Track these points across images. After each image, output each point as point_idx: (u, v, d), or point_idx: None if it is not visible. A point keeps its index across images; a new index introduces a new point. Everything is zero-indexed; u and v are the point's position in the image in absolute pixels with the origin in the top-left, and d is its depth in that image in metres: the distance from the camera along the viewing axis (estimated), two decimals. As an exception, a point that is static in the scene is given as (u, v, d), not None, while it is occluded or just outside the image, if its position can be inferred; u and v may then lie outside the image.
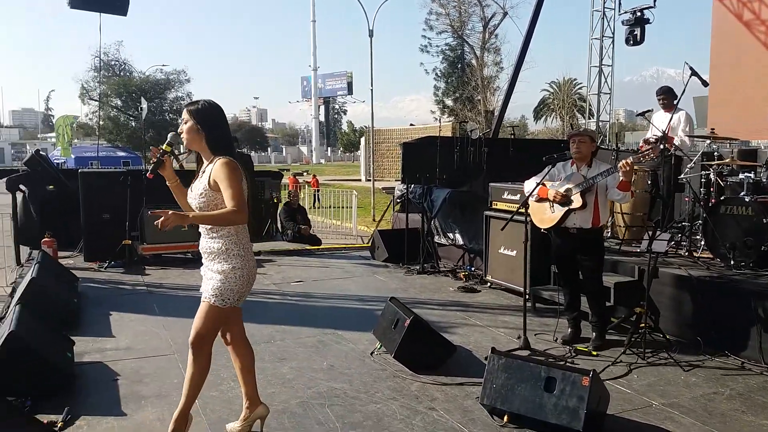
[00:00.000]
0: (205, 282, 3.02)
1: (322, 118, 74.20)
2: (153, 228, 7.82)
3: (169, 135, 3.07)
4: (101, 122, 33.98)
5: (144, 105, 11.70)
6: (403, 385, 3.94)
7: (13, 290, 5.81)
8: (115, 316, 5.47)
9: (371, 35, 19.12)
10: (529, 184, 4.87)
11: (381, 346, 4.52)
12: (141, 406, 3.61)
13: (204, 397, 3.70)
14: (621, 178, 4.39)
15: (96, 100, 33.88)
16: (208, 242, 2.98)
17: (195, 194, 2.95)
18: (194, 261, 7.95)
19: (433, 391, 3.86)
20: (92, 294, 6.27)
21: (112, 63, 39.89)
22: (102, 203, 7.92)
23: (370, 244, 8.87)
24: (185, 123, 2.96)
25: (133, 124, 34.15)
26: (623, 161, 4.34)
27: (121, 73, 39.70)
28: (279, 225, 10.39)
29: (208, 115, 2.95)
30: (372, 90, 19.11)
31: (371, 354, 4.50)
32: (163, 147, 2.99)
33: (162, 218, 2.65)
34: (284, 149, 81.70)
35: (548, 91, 52.88)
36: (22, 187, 8.63)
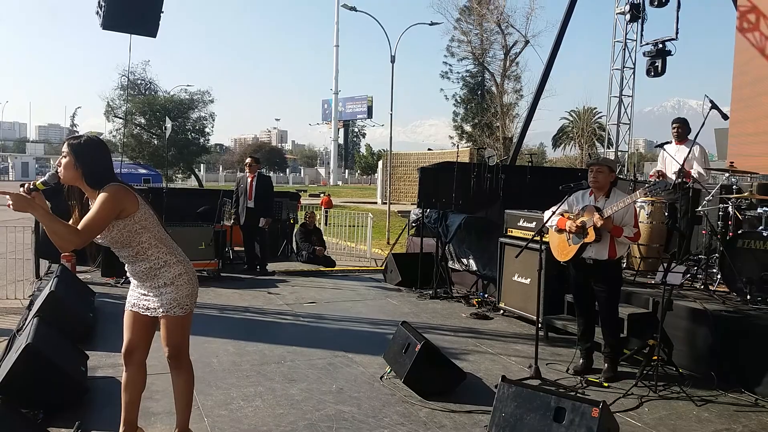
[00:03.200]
0: (152, 300, 3.02)
1: (341, 140, 74.83)
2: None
3: (47, 174, 2.92)
4: (124, 139, 34.59)
5: (168, 124, 11.90)
6: (412, 411, 3.93)
7: (31, 303, 5.91)
8: (129, 332, 5.52)
9: (393, 61, 19.35)
10: (548, 214, 4.88)
11: (391, 370, 4.52)
12: (150, 423, 3.64)
13: (213, 416, 3.74)
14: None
15: (121, 118, 34.55)
16: (143, 265, 2.97)
17: (104, 233, 2.86)
18: (209, 279, 8.04)
19: (442, 417, 3.85)
20: (108, 309, 6.35)
21: (138, 82, 40.72)
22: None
23: (383, 267, 8.89)
24: (64, 158, 2.87)
25: (156, 142, 34.70)
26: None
27: (147, 92, 40.50)
28: (294, 245, 10.46)
29: (86, 151, 2.86)
30: (391, 114, 19.29)
31: (381, 378, 4.49)
32: (36, 183, 2.82)
33: (13, 194, 2.62)
34: (302, 170, 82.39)
35: (568, 119, 52.93)
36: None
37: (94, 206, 2.77)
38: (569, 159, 47.62)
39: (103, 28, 9.23)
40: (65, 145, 2.91)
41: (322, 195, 27.07)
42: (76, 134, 3.07)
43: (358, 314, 6.62)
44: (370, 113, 72.34)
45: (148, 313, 3.05)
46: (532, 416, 3.33)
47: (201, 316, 6.33)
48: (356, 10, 21.12)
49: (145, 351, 3.21)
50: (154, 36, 10.48)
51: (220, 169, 65.56)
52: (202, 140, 37.62)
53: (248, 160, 9.02)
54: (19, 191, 2.75)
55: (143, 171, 33.10)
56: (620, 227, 4.47)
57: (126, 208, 2.84)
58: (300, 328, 6.04)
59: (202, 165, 50.50)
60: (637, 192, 4.60)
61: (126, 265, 3.06)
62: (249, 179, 8.75)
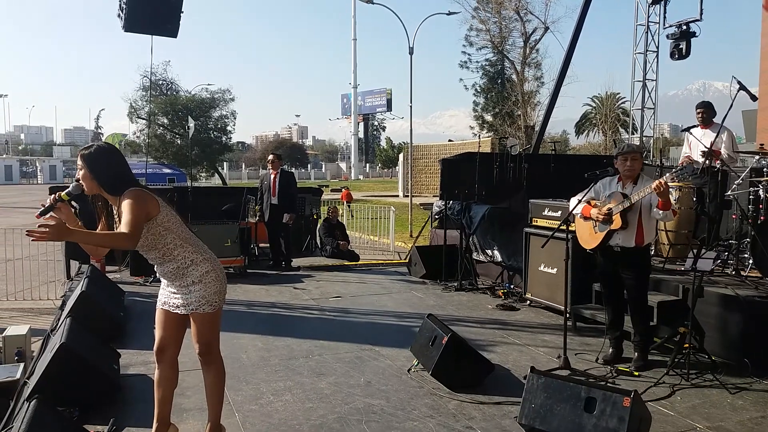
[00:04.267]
0: (180, 298, 3.07)
1: (361, 134, 74.86)
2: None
3: (71, 185, 3.01)
4: (148, 140, 35.05)
5: (191, 124, 12.02)
6: (441, 403, 3.93)
7: (63, 303, 6.04)
8: (159, 330, 5.61)
9: (411, 53, 19.22)
10: (574, 201, 4.82)
11: (418, 363, 4.52)
12: (183, 419, 3.69)
13: (244, 411, 3.78)
14: (658, 200, 4.31)
15: (144, 119, 35.02)
16: (167, 266, 3.04)
17: None
18: (235, 276, 8.12)
19: (471, 409, 3.84)
20: (138, 308, 6.46)
21: (160, 82, 41.19)
22: (148, 219, 8.16)
23: (407, 260, 8.89)
24: (80, 170, 2.95)
25: (179, 141, 35.08)
26: (656, 182, 4.26)
27: (168, 92, 40.95)
28: (318, 240, 10.51)
29: (99, 160, 2.92)
30: (411, 106, 19.18)
31: (408, 371, 4.50)
32: (62, 194, 2.92)
33: (41, 232, 2.53)
34: (324, 166, 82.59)
35: (590, 105, 52.10)
36: (73, 203, 8.98)
37: (125, 212, 2.80)
38: (593, 146, 46.95)
39: (125, 30, 9.35)
40: (79, 157, 2.98)
41: (342, 189, 27.20)
42: (88, 144, 3.11)
43: (384, 307, 6.63)
44: (389, 106, 72.22)
45: (179, 311, 3.11)
46: (562, 406, 3.30)
47: (229, 313, 6.39)
48: (373, 3, 21.02)
49: (177, 348, 3.27)
50: (175, 36, 10.59)
51: (243, 166, 66.06)
52: (224, 138, 37.91)
53: (270, 156, 9.07)
54: (47, 200, 2.88)
55: (168, 171, 33.52)
56: (669, 201, 4.34)
57: (149, 212, 2.89)
58: (326, 322, 6.08)
59: (225, 163, 50.92)
60: (666, 176, 4.52)
61: (155, 266, 3.12)
62: (272, 176, 8.81)
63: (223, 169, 46.64)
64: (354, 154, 71.52)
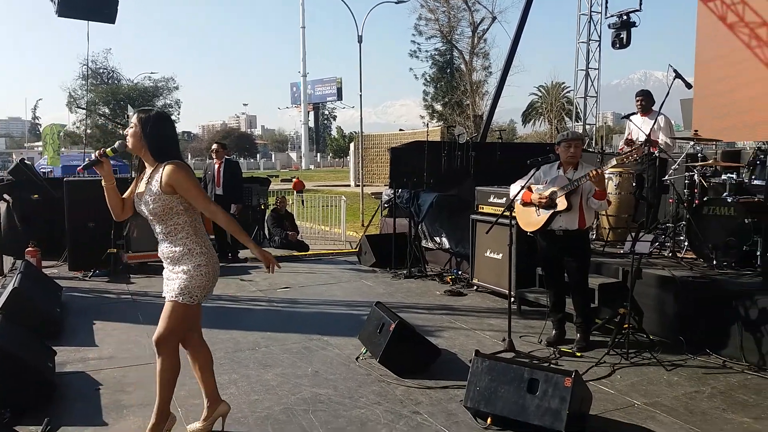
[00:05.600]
0: (168, 283, 3.09)
1: (311, 124, 74.15)
2: (138, 236, 7.78)
3: (117, 142, 3.14)
4: (89, 130, 33.81)
5: (131, 113, 11.58)
6: (388, 390, 3.94)
7: (-4, 300, 5.75)
8: (98, 326, 5.42)
9: (360, 41, 19.11)
10: (515, 188, 4.89)
11: (366, 350, 4.51)
12: (123, 416, 3.58)
13: (186, 406, 3.69)
14: (595, 189, 4.43)
15: (84, 108, 33.71)
16: (169, 247, 3.05)
17: (147, 200, 3.00)
18: (181, 268, 7.93)
19: (418, 394, 3.86)
20: (76, 303, 6.22)
21: (101, 71, 39.73)
22: (87, 212, 7.86)
23: (357, 249, 8.87)
24: (131, 128, 3.03)
25: (121, 131, 33.98)
26: (590, 171, 4.38)
27: (110, 81, 39.55)
28: (266, 231, 10.36)
29: (155, 124, 3.01)
30: (361, 95, 19.09)
31: (356, 359, 4.48)
32: (107, 150, 3.09)
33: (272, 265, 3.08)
34: (273, 155, 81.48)
35: (536, 95, 53.17)
36: (6, 196, 8.57)
37: (190, 189, 2.94)
38: (539, 134, 47.95)
39: (59, 15, 8.92)
40: (134, 116, 3.06)
41: (293, 179, 26.97)
42: (147, 107, 3.20)
43: (333, 297, 6.60)
44: (340, 95, 71.73)
45: (167, 297, 3.10)
46: (506, 388, 3.36)
47: (173, 306, 6.25)
48: (321, -9, 20.77)
49: (195, 332, 3.28)
50: (113, 22, 10.17)
51: (189, 156, 64.47)
52: (128, 125, 36.90)
53: (214, 146, 8.86)
54: (93, 155, 3.11)
55: (110, 162, 32.31)
56: (604, 191, 4.52)
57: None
58: (274, 313, 6.00)
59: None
60: (613, 160, 4.63)
61: (159, 245, 3.11)
62: (216, 166, 8.61)
63: (110, 161, 45.50)
64: (304, 143, 70.82)
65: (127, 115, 10.62)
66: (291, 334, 5.15)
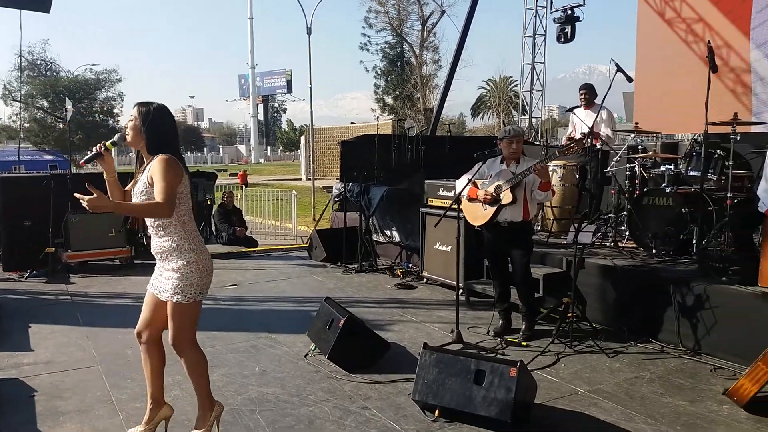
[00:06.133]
0: (162, 282, 3.03)
1: (260, 116, 73.00)
2: (79, 234, 7.49)
3: (116, 135, 3.14)
4: (26, 124, 32.34)
5: (69, 106, 11.12)
6: (337, 386, 3.91)
7: None
8: (35, 329, 5.19)
9: (309, 33, 18.90)
10: (461, 182, 4.93)
11: (315, 347, 4.47)
12: (59, 423, 3.43)
13: (127, 410, 3.59)
14: (539, 180, 4.53)
15: (19, 101, 32.20)
16: (158, 241, 3.02)
17: (137, 192, 2.99)
18: (122, 268, 7.68)
19: (367, 389, 3.85)
20: (11, 306, 5.93)
21: (38, 62, 38.03)
22: (23, 209, 7.53)
23: (308, 244, 8.78)
24: (131, 121, 3.03)
25: (61, 126, 32.62)
26: (535, 164, 4.48)
27: (48, 73, 37.91)
28: (213, 227, 10.14)
29: (154, 117, 2.99)
30: (311, 88, 18.88)
31: (305, 356, 4.43)
32: (107, 144, 3.07)
33: (87, 198, 2.70)
34: (221, 149, 79.91)
35: (485, 88, 53.86)
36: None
37: (157, 179, 2.84)
38: (488, 128, 48.67)
39: (-13, 3, 8.46)
40: (135, 108, 3.04)
41: (239, 173, 26.54)
42: (146, 101, 3.07)
43: (282, 293, 6.51)
44: (290, 87, 70.73)
45: (159, 296, 3.04)
46: (453, 380, 3.38)
47: (115, 307, 6.04)
48: (268, -19, 20.41)
49: (154, 331, 3.20)
50: (47, 11, 9.72)
51: (134, 151, 62.59)
52: (111, 122, 35.69)
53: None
54: (94, 149, 3.04)
55: (49, 157, 31.02)
56: (549, 182, 4.65)
57: (180, 180, 2.92)
58: (221, 312, 5.86)
59: (113, 148, 48.02)
60: (555, 152, 4.73)
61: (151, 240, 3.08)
62: (160, 160, 8.34)
63: (111, 154, 43.96)
64: (254, 136, 69.65)
65: (66, 109, 10.17)
66: (238, 332, 5.05)
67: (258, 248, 9.68)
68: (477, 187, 4.82)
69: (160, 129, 2.99)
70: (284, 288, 6.77)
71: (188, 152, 61.27)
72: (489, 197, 4.71)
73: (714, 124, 5.27)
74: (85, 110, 33.03)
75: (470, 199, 4.88)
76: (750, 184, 5.51)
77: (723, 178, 5.33)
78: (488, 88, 52.93)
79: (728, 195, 5.03)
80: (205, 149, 75.27)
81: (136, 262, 7.93)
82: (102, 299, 6.33)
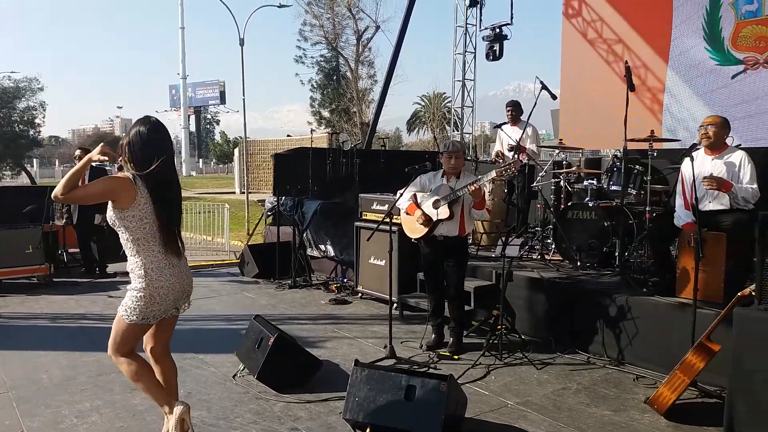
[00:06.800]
0: None
1: (192, 128, 71.21)
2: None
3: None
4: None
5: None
6: (266, 407, 3.80)
7: None
8: (-64, 355, 4.80)
9: (242, 44, 18.58)
10: (402, 195, 4.94)
11: (244, 367, 4.34)
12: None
13: (37, 440, 3.34)
14: (473, 200, 4.60)
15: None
16: (128, 259, 3.03)
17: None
18: (39, 286, 7.25)
19: (297, 410, 3.76)
20: None
21: (-51, 69, 35.68)
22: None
23: (239, 260, 8.57)
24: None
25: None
26: (469, 186, 4.53)
27: (-40, 80, 35.63)
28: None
29: (133, 135, 2.98)
30: (244, 99, 18.54)
31: (234, 377, 4.30)
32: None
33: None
34: (153, 161, 77.24)
35: (420, 104, 54.68)
36: None
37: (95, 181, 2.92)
38: (423, 142, 49.34)
39: None
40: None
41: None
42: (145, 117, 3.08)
43: (211, 311, 6.30)
44: (223, 99, 69.33)
45: None
46: (384, 397, 3.35)
47: (30, 328, 5.68)
48: (200, -9, 20.03)
49: (158, 344, 3.22)
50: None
51: (57, 163, 59.59)
52: (32, 132, 33.84)
53: (77, 152, 8.20)
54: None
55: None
56: (483, 201, 4.71)
57: (117, 200, 2.88)
58: (146, 331, 5.61)
59: (34, 160, 45.67)
60: (492, 172, 4.72)
61: None
62: (81, 173, 7.95)
63: (32, 166, 41.80)
64: (185, 148, 67.70)
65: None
66: (163, 353, 4.83)
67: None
68: (416, 201, 4.85)
69: (135, 148, 2.95)
70: (213, 306, 6.56)
71: (114, 164, 58.89)
72: (423, 218, 4.74)
73: (632, 140, 5.51)
74: (3, 120, 31.21)
75: (408, 214, 4.90)
76: (667, 198, 5.79)
77: (642, 192, 5.58)
78: (423, 103, 53.77)
79: (647, 209, 5.28)
80: (134, 161, 72.48)
81: (55, 280, 7.50)
82: (16, 320, 5.94)
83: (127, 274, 3.04)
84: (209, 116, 76.36)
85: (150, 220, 2.92)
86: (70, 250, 8.49)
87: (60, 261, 8.18)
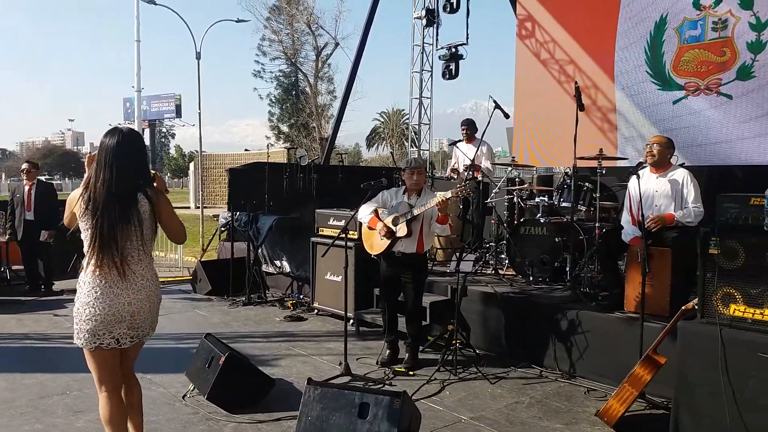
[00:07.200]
0: None
1: (147, 141, 69.79)
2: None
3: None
4: None
5: None
6: (216, 428, 3.71)
7: None
8: None
9: (198, 57, 18.43)
10: (364, 210, 4.94)
11: (194, 387, 4.22)
12: None
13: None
14: (438, 214, 4.62)
15: None
16: None
17: None
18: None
19: (249, 430, 3.69)
20: None
21: None
22: None
23: (192, 277, 8.39)
24: None
25: None
26: (439, 197, 4.55)
27: None
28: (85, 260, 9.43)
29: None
30: (200, 113, 18.32)
31: (183, 397, 4.18)
32: None
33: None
34: (105, 176, 75.34)
35: (379, 120, 55.06)
36: None
37: None
38: (382, 158, 49.63)
39: None
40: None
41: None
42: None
43: (161, 330, 5.99)
44: (179, 112, 68.07)
45: None
46: (337, 416, 3.31)
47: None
48: (156, 4, 19.75)
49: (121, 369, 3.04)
50: None
51: (3, 177, 57.42)
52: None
53: (25, 165, 7.95)
54: None
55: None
56: (447, 216, 4.68)
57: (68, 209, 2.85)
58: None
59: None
60: (450, 191, 4.72)
61: None
62: (26, 187, 7.70)
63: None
64: (140, 163, 66.30)
65: None
66: (110, 373, 4.67)
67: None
68: (378, 216, 4.84)
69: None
70: (163, 324, 6.30)
71: (66, 178, 57.26)
72: (385, 230, 4.74)
73: (582, 158, 5.66)
74: (-57, 131, 30.00)
75: (371, 228, 4.89)
76: (616, 214, 5.95)
77: (592, 209, 5.72)
78: (382, 120, 54.15)
79: (596, 225, 5.41)
80: (86, 175, 70.69)
81: (-3, 299, 7.20)
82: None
83: (74, 291, 2.90)
84: (164, 130, 74.96)
85: (88, 233, 2.77)
86: (14, 267, 8.16)
87: (2, 278, 7.85)
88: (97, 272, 2.75)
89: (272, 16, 36.53)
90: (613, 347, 4.43)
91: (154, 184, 2.96)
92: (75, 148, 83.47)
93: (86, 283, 2.76)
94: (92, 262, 2.75)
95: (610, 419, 3.69)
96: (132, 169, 2.85)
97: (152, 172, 3.02)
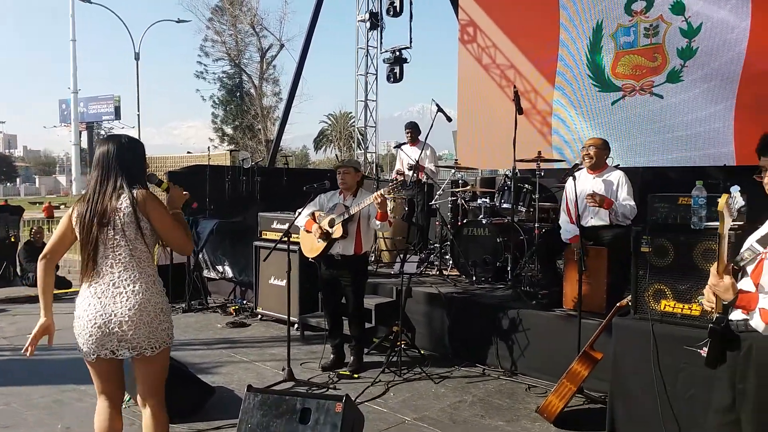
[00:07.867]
0: None
1: (84, 144, 67.16)
2: None
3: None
4: None
5: None
6: (153, 439, 3.56)
7: None
8: None
9: (137, 58, 17.96)
10: (301, 216, 4.87)
11: (130, 398, 4.06)
12: None
13: None
14: (377, 210, 4.61)
15: None
16: None
17: None
18: None
19: (187, 440, 3.57)
20: None
21: None
22: None
23: (130, 283, 8.09)
24: None
25: None
26: (375, 194, 4.55)
27: None
28: (18, 267, 8.99)
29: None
30: (139, 115, 17.89)
31: (118, 408, 4.01)
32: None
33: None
34: (38, 180, 72.24)
35: (326, 122, 54.83)
36: None
37: None
38: (330, 160, 49.43)
39: None
40: None
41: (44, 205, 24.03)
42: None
43: (97, 338, 5.88)
44: (118, 114, 65.90)
45: None
46: (278, 422, 3.24)
47: None
48: (91, 2, 19.07)
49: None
50: None
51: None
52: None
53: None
54: None
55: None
56: (386, 213, 4.64)
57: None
58: (21, 364, 5.15)
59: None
60: (383, 189, 4.77)
61: None
62: (-52, 192, 7.27)
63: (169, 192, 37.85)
64: (76, 166, 63.58)
65: None
66: (39, 386, 4.46)
67: (72, 289, 8.72)
68: (315, 219, 4.79)
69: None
70: (100, 333, 6.13)
71: (-3, 183, 54.51)
72: (320, 231, 4.69)
73: (521, 161, 5.78)
74: None
75: (308, 231, 4.84)
76: (555, 215, 6.10)
77: (531, 209, 5.85)
78: (329, 122, 53.94)
79: (536, 225, 5.53)
80: (18, 180, 67.60)
81: None
82: None
83: (7, 300, 2.78)
84: (103, 132, 72.40)
85: (83, 246, 2.70)
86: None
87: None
88: (85, 283, 2.69)
89: (215, 17, 35.81)
90: (553, 344, 4.53)
91: (151, 191, 2.78)
92: (7, 151, 79.44)
93: (79, 294, 2.72)
94: (82, 272, 2.70)
95: (549, 415, 3.76)
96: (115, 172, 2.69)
97: (165, 182, 2.91)
